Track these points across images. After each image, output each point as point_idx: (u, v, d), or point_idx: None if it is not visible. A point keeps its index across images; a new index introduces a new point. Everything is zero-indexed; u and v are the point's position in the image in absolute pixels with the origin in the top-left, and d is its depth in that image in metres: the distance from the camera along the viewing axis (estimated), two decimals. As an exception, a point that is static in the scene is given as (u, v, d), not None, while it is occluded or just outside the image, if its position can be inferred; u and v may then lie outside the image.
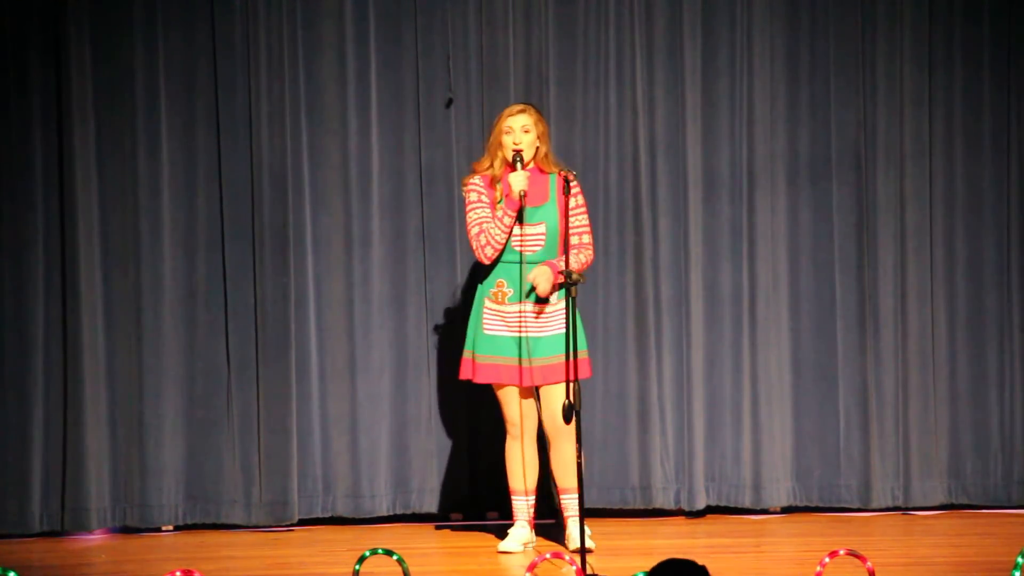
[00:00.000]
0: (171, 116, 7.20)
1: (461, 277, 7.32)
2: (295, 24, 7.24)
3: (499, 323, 6.32)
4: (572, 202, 6.31)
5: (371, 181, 7.31)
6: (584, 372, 6.36)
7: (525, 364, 6.28)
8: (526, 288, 6.27)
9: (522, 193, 6.25)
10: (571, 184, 6.14)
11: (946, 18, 7.52)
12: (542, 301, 6.30)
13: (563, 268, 6.16)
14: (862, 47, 7.49)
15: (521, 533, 6.40)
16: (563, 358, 6.22)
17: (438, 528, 7.19)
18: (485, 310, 6.35)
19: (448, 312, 7.32)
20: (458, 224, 7.29)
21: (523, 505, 6.43)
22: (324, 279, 7.29)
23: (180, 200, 7.21)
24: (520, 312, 6.30)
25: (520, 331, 6.30)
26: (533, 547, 6.44)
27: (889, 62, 7.50)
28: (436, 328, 7.32)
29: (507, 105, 7.19)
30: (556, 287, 6.30)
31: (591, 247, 6.45)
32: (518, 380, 6.31)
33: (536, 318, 6.30)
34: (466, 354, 6.41)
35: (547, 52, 7.36)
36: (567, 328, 5.86)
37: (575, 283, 5.93)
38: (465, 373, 6.42)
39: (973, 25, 7.53)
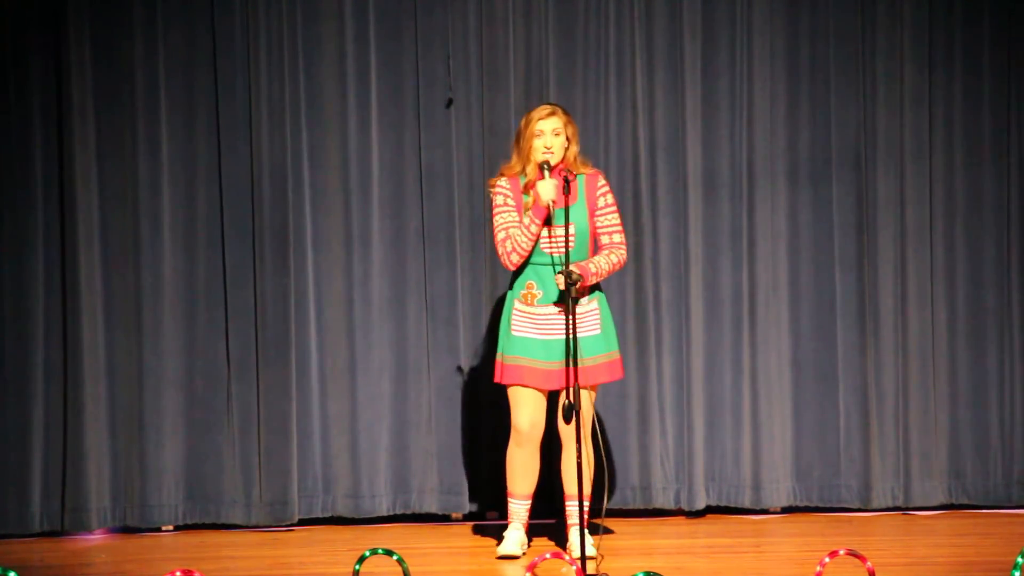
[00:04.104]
0: (171, 116, 7.20)
1: (461, 277, 7.32)
2: (295, 24, 7.24)
3: (528, 325, 6.27)
4: (601, 201, 6.28)
5: (371, 181, 7.31)
6: (618, 372, 6.35)
7: (556, 367, 6.22)
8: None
9: (551, 202, 6.19)
10: (570, 184, 6.11)
11: (946, 18, 7.52)
12: (567, 301, 6.22)
13: (600, 267, 6.17)
14: (862, 47, 7.50)
15: (517, 536, 6.37)
16: (596, 360, 6.20)
17: (438, 528, 7.18)
18: (514, 312, 6.29)
19: (448, 312, 7.32)
20: (458, 224, 7.29)
21: (520, 508, 6.40)
22: (324, 279, 7.29)
23: (180, 200, 7.21)
24: (551, 315, 6.25)
25: (554, 334, 6.25)
26: (527, 550, 6.42)
27: (889, 62, 7.50)
28: (436, 328, 7.32)
29: (507, 105, 7.23)
30: (589, 288, 6.22)
31: (623, 246, 6.34)
32: (541, 383, 6.25)
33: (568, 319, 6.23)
34: (498, 356, 6.35)
35: (547, 52, 7.36)
36: (572, 331, 5.83)
37: (575, 283, 5.92)
38: (497, 376, 6.36)
39: (973, 25, 7.53)
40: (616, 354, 6.33)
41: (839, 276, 7.49)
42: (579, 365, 6.13)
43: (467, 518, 7.32)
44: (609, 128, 7.39)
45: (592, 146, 7.37)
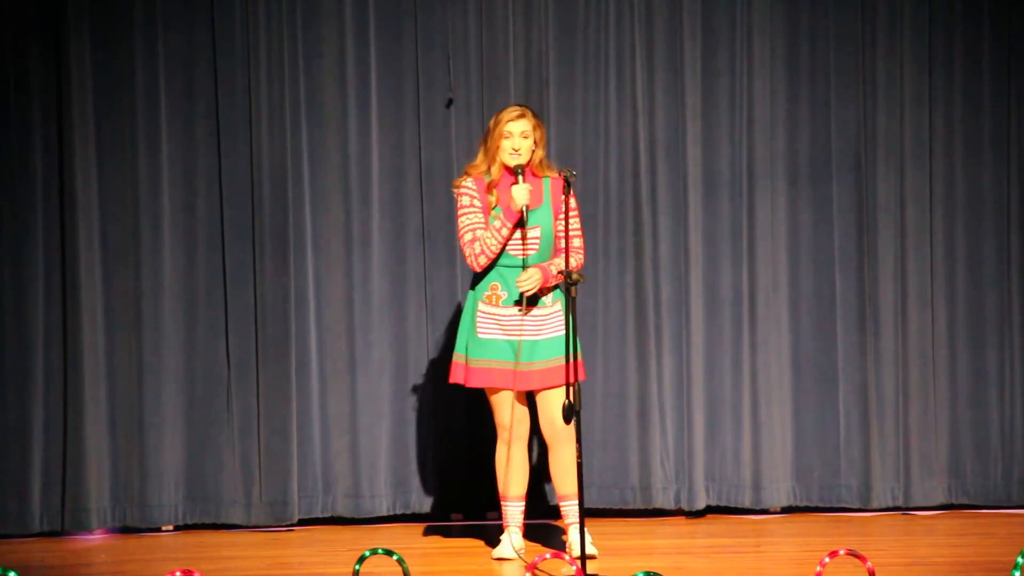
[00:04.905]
0: (171, 116, 7.20)
1: (461, 277, 7.32)
2: (295, 24, 7.24)
3: (494, 326, 6.25)
4: (572, 202, 6.28)
5: (371, 181, 7.31)
6: (581, 374, 6.33)
7: (522, 368, 6.23)
8: (523, 288, 6.18)
9: (525, 207, 6.17)
10: (571, 185, 6.11)
11: (946, 18, 7.52)
12: (534, 303, 6.22)
13: (562, 269, 6.14)
14: (862, 47, 7.50)
15: (514, 539, 6.36)
16: (561, 361, 6.17)
17: (437, 528, 7.19)
18: (479, 313, 6.26)
19: (448, 312, 7.32)
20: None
21: (514, 511, 6.38)
22: (324, 279, 7.29)
23: (180, 200, 7.21)
24: (516, 315, 6.24)
25: (517, 335, 6.24)
26: (524, 553, 6.41)
27: (889, 62, 7.50)
28: (436, 328, 7.32)
29: (507, 105, 7.20)
30: (550, 289, 6.24)
31: (582, 251, 6.33)
32: (510, 383, 6.24)
33: (533, 321, 6.24)
34: (457, 358, 6.30)
35: (547, 52, 7.36)
36: (566, 330, 5.82)
37: (575, 283, 5.91)
38: (456, 377, 6.31)
39: (973, 25, 7.53)
40: (578, 356, 6.30)
41: (839, 276, 7.49)
42: (540, 368, 6.14)
43: (467, 518, 7.33)
44: (609, 128, 7.39)
45: (592, 146, 7.38)
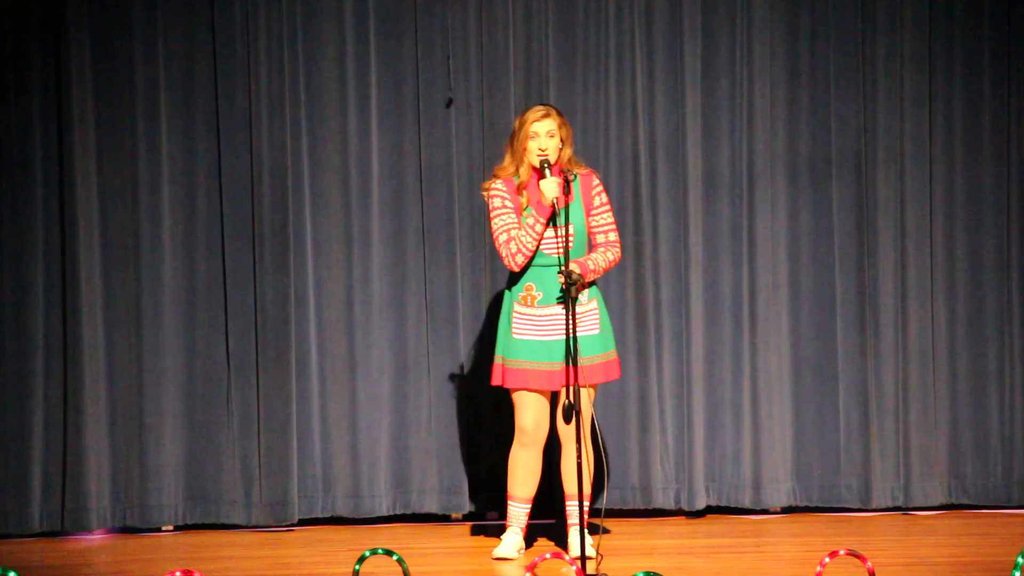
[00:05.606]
0: (171, 116, 7.20)
1: (461, 277, 7.32)
2: (295, 24, 7.24)
3: (529, 327, 6.25)
4: (596, 200, 6.29)
5: (371, 181, 7.31)
6: (615, 372, 6.35)
7: (559, 367, 6.19)
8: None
9: (556, 201, 6.18)
10: (570, 183, 6.12)
11: (946, 18, 7.52)
12: (567, 300, 6.17)
13: (600, 264, 6.17)
14: (862, 47, 7.49)
15: (515, 539, 6.37)
16: (594, 360, 6.19)
17: (438, 528, 7.18)
18: (514, 314, 6.26)
19: (448, 312, 7.31)
20: (458, 224, 7.29)
21: (519, 512, 6.38)
22: (324, 279, 7.29)
23: (180, 200, 7.21)
24: (551, 315, 6.23)
25: (554, 335, 6.23)
26: (524, 554, 6.41)
27: (889, 62, 7.50)
28: (436, 328, 7.32)
29: (507, 105, 7.23)
30: (586, 286, 6.21)
31: (618, 244, 6.35)
32: (545, 385, 6.22)
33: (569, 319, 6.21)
34: (497, 359, 6.31)
35: (547, 52, 7.36)
36: (569, 332, 5.82)
37: (575, 283, 5.92)
38: (496, 379, 6.33)
39: (973, 25, 7.53)
40: (613, 354, 6.33)
41: (839, 276, 7.49)
42: (580, 365, 6.14)
43: (467, 518, 7.32)
44: (609, 128, 7.39)
45: (592, 146, 7.37)
